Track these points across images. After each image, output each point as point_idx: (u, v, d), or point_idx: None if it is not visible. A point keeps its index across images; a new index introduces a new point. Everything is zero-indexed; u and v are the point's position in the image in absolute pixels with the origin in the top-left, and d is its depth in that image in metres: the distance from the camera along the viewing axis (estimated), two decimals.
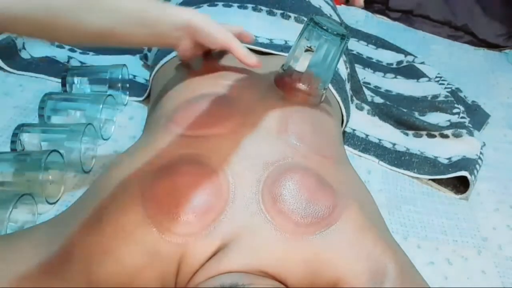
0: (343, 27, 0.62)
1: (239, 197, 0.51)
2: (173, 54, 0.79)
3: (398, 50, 1.25)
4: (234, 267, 0.46)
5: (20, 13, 0.43)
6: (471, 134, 0.93)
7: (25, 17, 0.44)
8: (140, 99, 0.93)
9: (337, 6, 1.05)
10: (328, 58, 0.63)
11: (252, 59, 0.62)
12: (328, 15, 0.90)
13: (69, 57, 1.00)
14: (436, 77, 1.14)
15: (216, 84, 0.64)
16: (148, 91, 0.89)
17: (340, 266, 0.48)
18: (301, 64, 0.63)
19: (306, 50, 0.63)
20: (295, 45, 0.64)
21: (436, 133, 0.95)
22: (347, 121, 0.84)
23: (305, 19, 0.86)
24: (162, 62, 0.80)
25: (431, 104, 1.04)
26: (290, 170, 0.53)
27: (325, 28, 0.61)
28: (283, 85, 0.65)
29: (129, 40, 0.58)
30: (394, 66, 1.20)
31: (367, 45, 1.27)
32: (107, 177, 0.54)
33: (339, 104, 0.79)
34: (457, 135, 0.93)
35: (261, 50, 0.76)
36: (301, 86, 0.64)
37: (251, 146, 0.55)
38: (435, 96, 1.06)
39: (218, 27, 0.62)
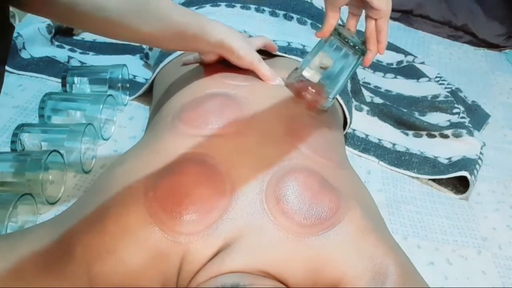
0: (361, 40, 0.61)
1: (242, 197, 0.50)
2: (178, 53, 0.78)
3: (398, 50, 1.24)
4: (236, 267, 0.46)
5: (84, 11, 0.49)
6: (471, 134, 0.93)
7: (86, 14, 0.50)
8: (138, 94, 0.92)
9: None
10: (344, 71, 0.63)
11: (276, 80, 0.68)
12: None
13: (69, 57, 1.00)
14: (436, 77, 1.14)
15: (224, 84, 0.65)
16: (146, 87, 0.89)
17: (342, 266, 0.48)
18: (315, 74, 0.63)
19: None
20: (313, 53, 0.63)
21: (436, 133, 0.95)
22: (350, 123, 0.84)
23: (308, 20, 0.86)
24: (166, 60, 0.79)
25: (431, 104, 1.04)
26: (294, 171, 0.53)
27: (347, 41, 0.60)
28: (293, 90, 0.65)
29: (165, 46, 0.68)
30: (394, 66, 1.20)
31: None
32: (110, 176, 0.54)
33: (342, 107, 0.79)
34: (457, 135, 0.93)
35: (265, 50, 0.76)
36: (312, 94, 0.63)
37: (256, 147, 0.55)
38: (435, 96, 1.06)
39: (247, 48, 0.67)
